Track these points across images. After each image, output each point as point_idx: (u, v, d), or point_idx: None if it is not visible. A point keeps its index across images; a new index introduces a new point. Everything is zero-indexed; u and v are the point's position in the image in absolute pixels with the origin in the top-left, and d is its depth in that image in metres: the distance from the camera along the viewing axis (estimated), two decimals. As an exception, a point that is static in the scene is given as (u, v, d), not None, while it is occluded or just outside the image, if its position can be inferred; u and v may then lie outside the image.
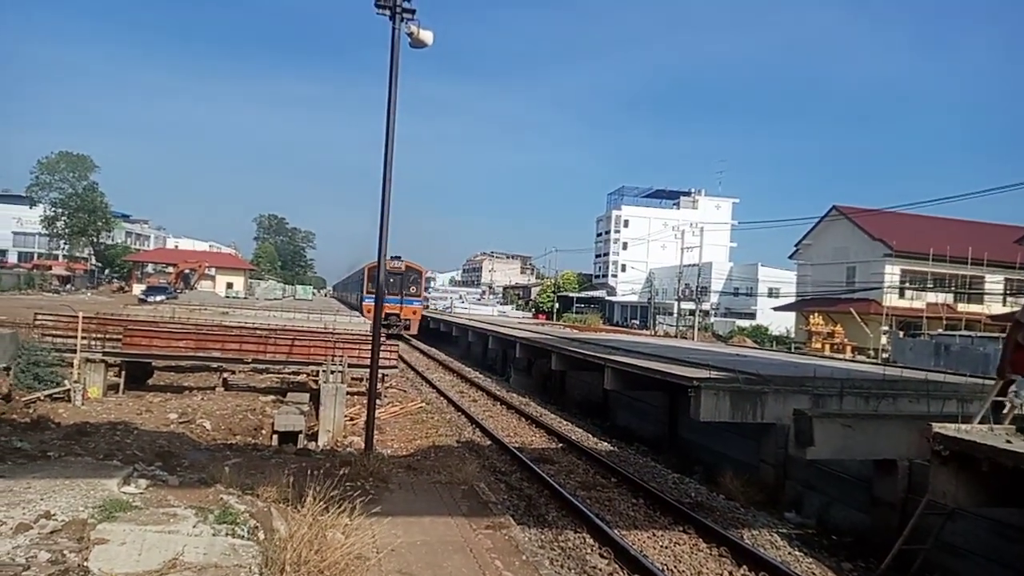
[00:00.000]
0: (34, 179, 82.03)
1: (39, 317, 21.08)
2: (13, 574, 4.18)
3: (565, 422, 19.58)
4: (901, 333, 42.26)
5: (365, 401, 14.90)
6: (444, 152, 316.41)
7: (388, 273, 33.96)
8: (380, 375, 15.42)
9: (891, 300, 47.99)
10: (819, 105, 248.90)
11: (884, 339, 43.25)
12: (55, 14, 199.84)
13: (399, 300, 41.79)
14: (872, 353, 42.05)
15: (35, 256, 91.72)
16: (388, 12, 11.03)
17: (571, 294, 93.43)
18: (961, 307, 47.67)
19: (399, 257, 42.87)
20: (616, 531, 10.00)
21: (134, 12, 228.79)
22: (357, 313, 40.42)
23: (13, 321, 24.10)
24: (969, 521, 9.54)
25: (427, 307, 58.66)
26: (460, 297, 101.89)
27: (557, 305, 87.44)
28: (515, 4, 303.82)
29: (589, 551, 9.38)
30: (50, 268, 78.85)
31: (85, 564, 4.58)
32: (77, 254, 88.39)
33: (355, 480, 8.91)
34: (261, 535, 5.80)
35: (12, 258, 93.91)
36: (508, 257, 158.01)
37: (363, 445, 11.82)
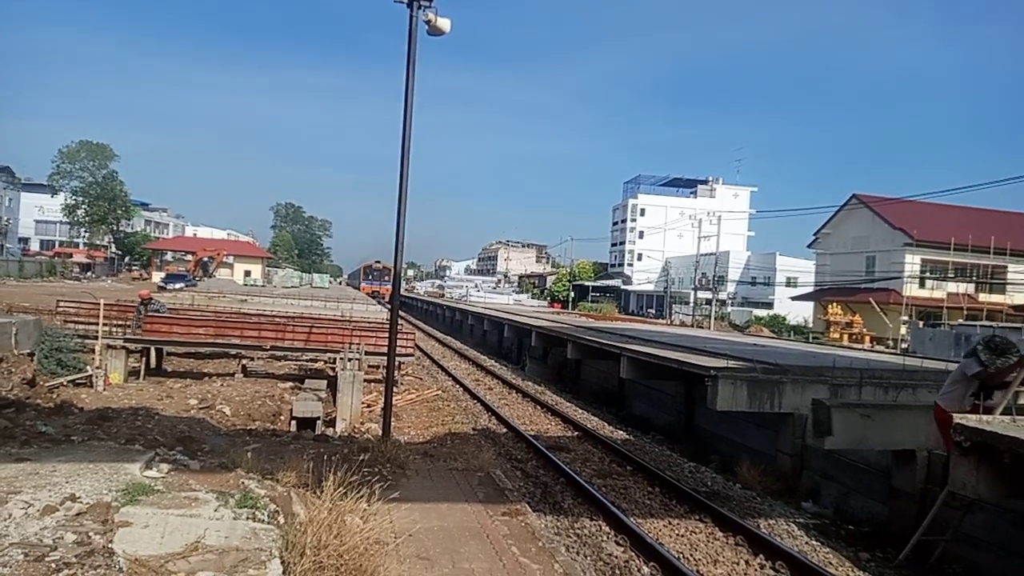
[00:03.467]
0: (55, 168, 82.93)
1: (61, 304, 21.39)
2: (41, 555, 4.25)
3: (581, 410, 19.60)
4: (921, 323, 41.78)
5: (382, 388, 14.98)
6: (460, 141, 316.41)
7: (376, 269, 76.94)
8: (396, 363, 15.49)
9: (911, 290, 47.47)
10: (838, 92, 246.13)
11: (904, 329, 42.79)
12: (74, 3, 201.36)
13: (380, 283, 72.45)
14: (891, 343, 41.63)
15: (56, 244, 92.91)
16: (405, 0, 10.99)
17: (587, 283, 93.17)
18: (983, 297, 47.06)
19: (379, 261, 76.60)
20: (632, 519, 10.01)
21: (152, 2, 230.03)
22: (369, 298, 54.07)
23: (36, 308, 24.43)
24: (989, 513, 9.45)
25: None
26: (475, 286, 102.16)
27: (572, 294, 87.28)
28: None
29: (605, 538, 9.40)
30: (71, 256, 79.78)
31: (110, 546, 4.65)
32: (97, 242, 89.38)
33: (373, 466, 8.97)
34: (281, 519, 5.86)
35: (34, 246, 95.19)
36: (523, 246, 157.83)
37: (380, 432, 11.91)
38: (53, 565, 4.14)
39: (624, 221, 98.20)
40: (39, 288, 42.87)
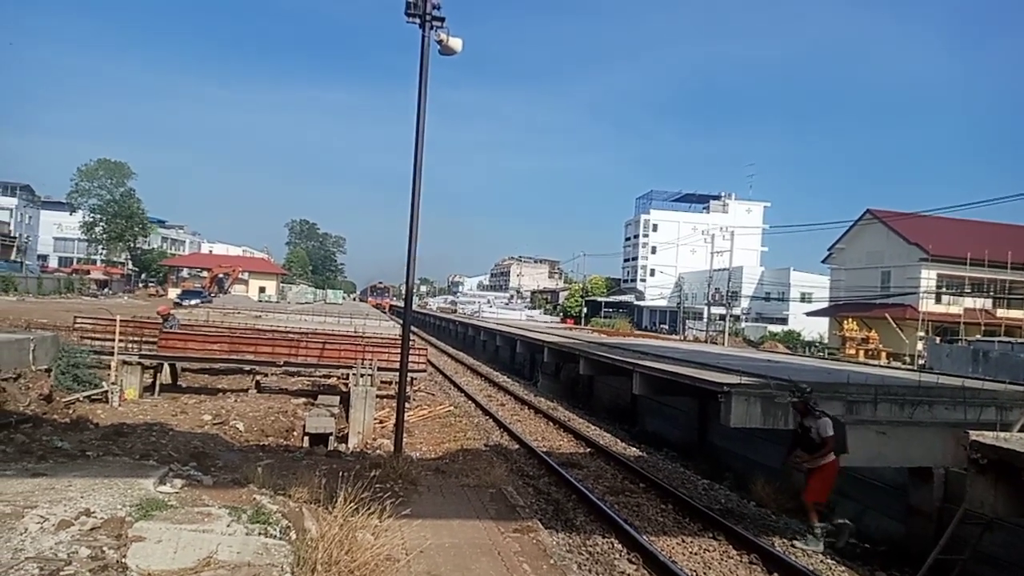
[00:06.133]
0: (74, 186, 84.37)
1: (78, 320, 21.61)
2: (56, 569, 4.30)
3: (593, 427, 19.51)
4: (938, 339, 41.37)
5: (394, 404, 15.00)
6: (472, 157, 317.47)
7: (378, 288, 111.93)
8: (409, 378, 15.52)
9: (927, 305, 47.04)
10: (851, 107, 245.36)
11: (920, 345, 42.39)
12: (92, 23, 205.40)
13: (381, 298, 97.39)
14: (908, 359, 41.21)
15: (74, 261, 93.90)
16: (418, 20, 11.09)
17: (599, 299, 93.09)
18: (1000, 312, 46.49)
19: (382, 282, 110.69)
20: (645, 536, 9.93)
21: (169, 22, 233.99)
22: (381, 313, 57.01)
23: (54, 324, 24.72)
24: (1009, 531, 9.31)
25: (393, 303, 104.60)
26: (488, 301, 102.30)
27: (585, 310, 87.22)
28: (542, 10, 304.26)
29: (617, 556, 9.34)
30: (88, 272, 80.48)
31: (123, 561, 4.69)
32: (115, 259, 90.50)
33: (385, 482, 8.97)
34: (293, 535, 5.88)
35: (53, 263, 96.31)
36: (536, 261, 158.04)
37: (392, 447, 11.92)
38: (67, 579, 4.18)
39: (637, 237, 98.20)
40: (57, 304, 43.37)
